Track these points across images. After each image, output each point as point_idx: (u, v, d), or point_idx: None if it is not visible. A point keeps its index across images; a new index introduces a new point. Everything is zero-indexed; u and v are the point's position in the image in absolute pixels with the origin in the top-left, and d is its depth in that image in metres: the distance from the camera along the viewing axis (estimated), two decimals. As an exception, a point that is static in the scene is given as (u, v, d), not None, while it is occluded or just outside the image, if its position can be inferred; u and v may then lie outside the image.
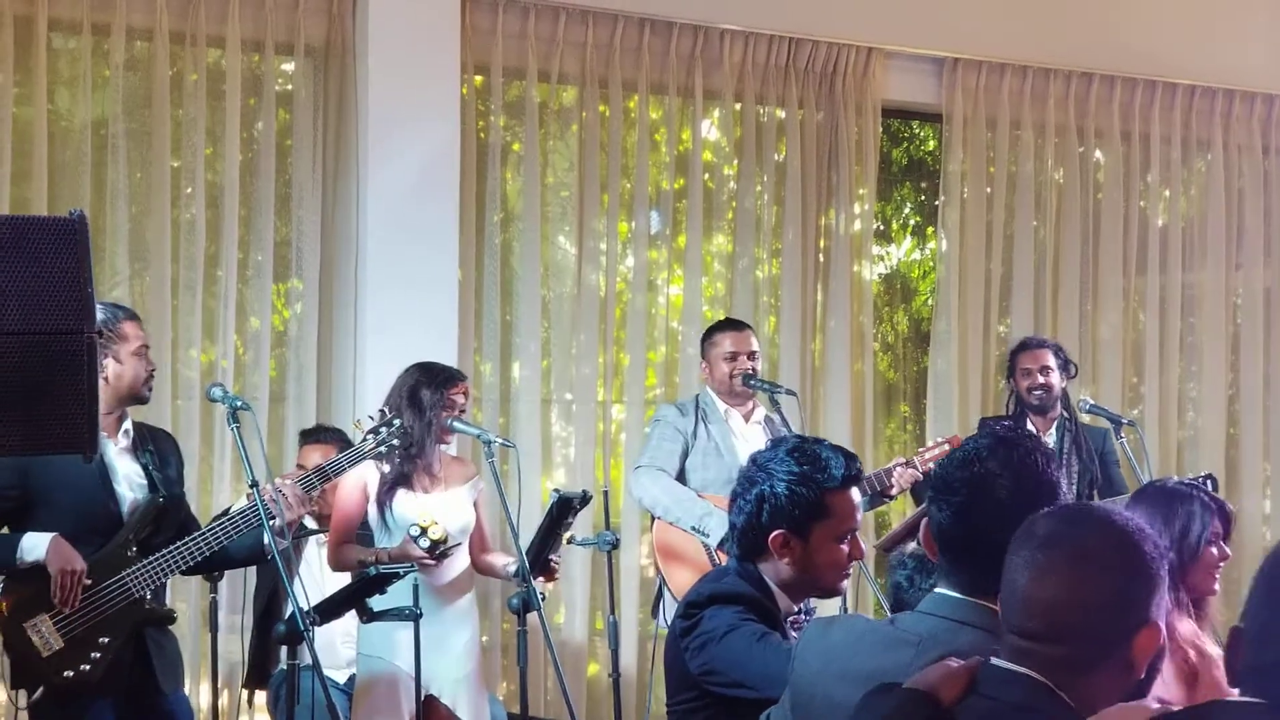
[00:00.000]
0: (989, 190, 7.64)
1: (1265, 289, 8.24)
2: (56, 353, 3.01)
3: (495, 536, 5.59)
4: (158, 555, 4.29)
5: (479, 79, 6.61)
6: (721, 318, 6.36)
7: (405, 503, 5.02)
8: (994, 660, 2.11)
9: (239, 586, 5.68)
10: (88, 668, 4.19)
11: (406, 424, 4.87)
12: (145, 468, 4.40)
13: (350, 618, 4.71)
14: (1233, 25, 8.02)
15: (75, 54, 5.93)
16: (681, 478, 5.62)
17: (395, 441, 4.76)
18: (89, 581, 4.19)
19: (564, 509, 4.99)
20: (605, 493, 5.71)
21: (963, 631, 2.36)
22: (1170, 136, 7.96)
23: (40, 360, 2.99)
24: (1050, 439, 6.26)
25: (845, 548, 3.09)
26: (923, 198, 8.38)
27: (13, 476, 4.20)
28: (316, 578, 5.28)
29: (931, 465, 5.39)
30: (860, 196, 7.30)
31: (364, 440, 4.74)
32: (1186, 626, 3.36)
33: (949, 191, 7.53)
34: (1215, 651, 3.36)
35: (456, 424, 5.04)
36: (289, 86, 6.38)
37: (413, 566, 4.71)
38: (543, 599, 4.80)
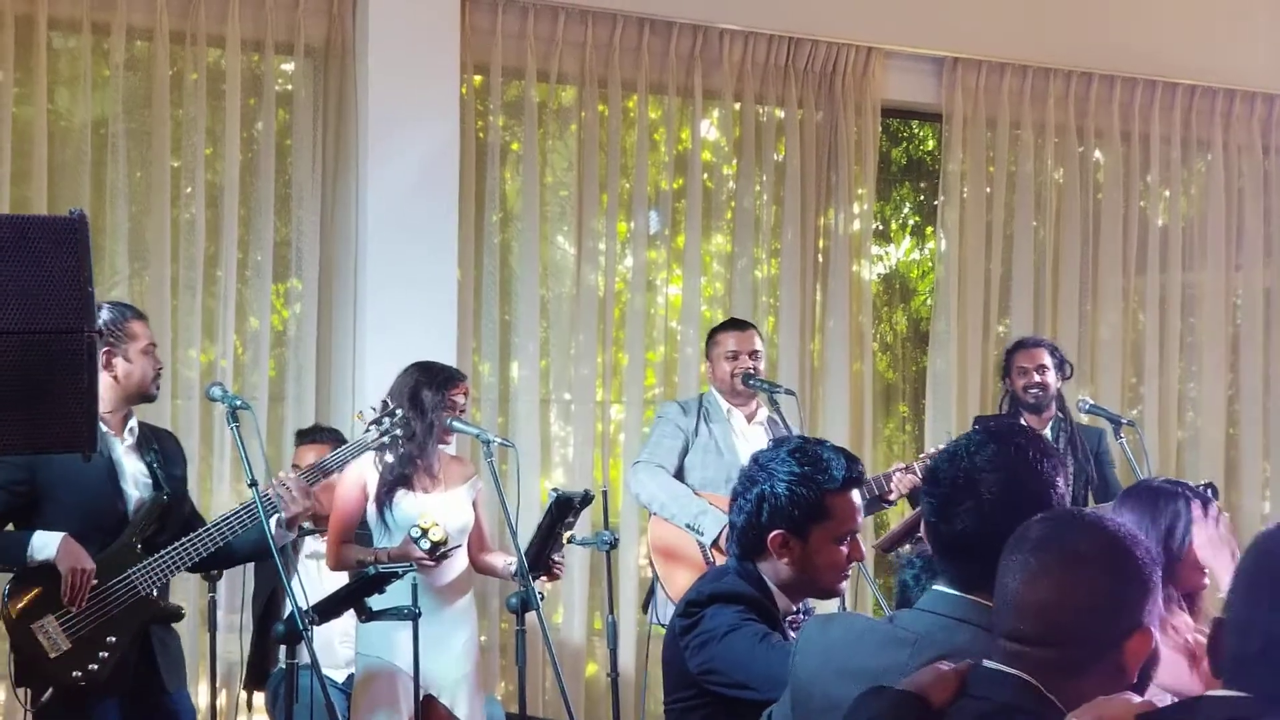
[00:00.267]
0: (988, 190, 7.64)
1: (1265, 289, 8.24)
2: (56, 352, 3.02)
3: (494, 536, 5.59)
4: (163, 552, 4.29)
5: (478, 79, 6.61)
6: (720, 318, 6.37)
7: (405, 503, 5.02)
8: (985, 662, 2.12)
9: (237, 586, 5.67)
10: (96, 667, 4.19)
11: (408, 418, 4.86)
12: (150, 466, 4.41)
13: (349, 618, 4.71)
14: (1233, 25, 8.02)
15: (75, 53, 5.93)
16: (681, 475, 5.63)
17: (398, 432, 4.75)
18: (95, 581, 4.19)
19: (563, 508, 4.99)
20: (604, 492, 5.71)
21: (959, 629, 2.36)
22: (1170, 136, 7.95)
23: (40, 359, 3.00)
24: (1045, 438, 6.26)
25: (844, 549, 3.09)
26: (922, 197, 8.39)
27: (21, 472, 4.20)
28: (314, 578, 5.28)
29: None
30: (859, 196, 7.30)
31: (366, 432, 4.74)
32: (1180, 620, 3.40)
33: (948, 191, 7.53)
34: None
35: (456, 424, 5.04)
36: (289, 86, 6.39)
37: (411, 566, 4.70)
38: (541, 599, 4.80)
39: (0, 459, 4.13)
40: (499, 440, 5.02)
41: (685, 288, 6.96)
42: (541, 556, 5.00)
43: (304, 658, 4.24)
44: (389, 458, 4.99)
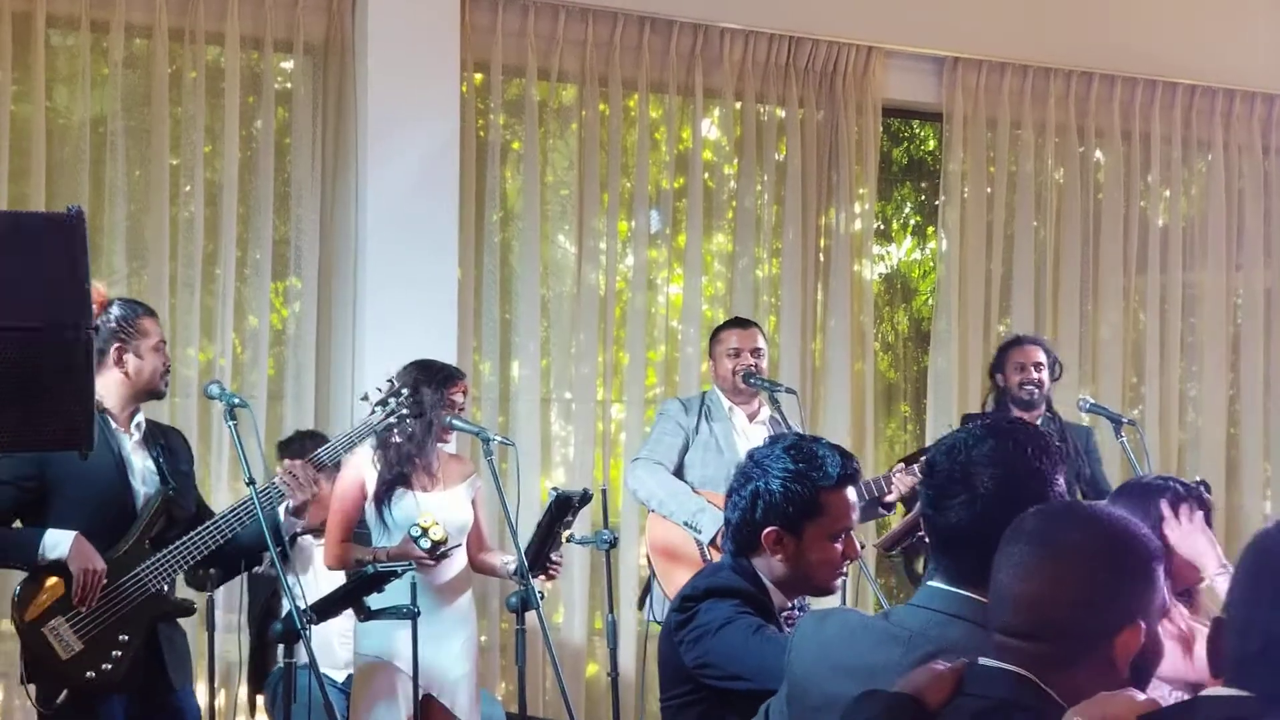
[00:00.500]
0: (989, 190, 7.63)
1: (1266, 289, 8.23)
2: (53, 349, 3.00)
3: (493, 536, 5.58)
4: (171, 547, 4.27)
5: (479, 77, 6.60)
6: (722, 317, 6.37)
7: (404, 502, 5.00)
8: (981, 660, 2.11)
9: (235, 585, 5.66)
10: (109, 667, 4.18)
11: (410, 411, 4.82)
12: (157, 461, 4.40)
13: (348, 619, 4.70)
14: (1233, 25, 8.01)
15: (74, 51, 5.92)
16: (680, 473, 5.63)
17: (405, 411, 4.71)
18: (104, 581, 4.18)
19: (563, 507, 4.98)
20: (604, 491, 5.70)
21: (952, 625, 2.35)
22: (1171, 136, 7.95)
23: (37, 356, 2.98)
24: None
25: (839, 546, 3.08)
26: (923, 197, 8.38)
27: (31, 468, 4.19)
28: (311, 579, 5.26)
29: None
30: (860, 196, 7.29)
31: (371, 413, 4.71)
32: (1174, 610, 3.41)
33: (949, 191, 7.53)
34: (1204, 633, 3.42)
35: (456, 422, 5.03)
36: (288, 84, 6.38)
37: (411, 565, 4.69)
38: (541, 598, 4.79)
39: (9, 455, 4.12)
40: (499, 439, 5.01)
41: (686, 287, 6.95)
42: (541, 556, 4.99)
43: (303, 657, 4.23)
44: (389, 454, 4.97)
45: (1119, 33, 7.69)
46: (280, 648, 4.31)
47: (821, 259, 7.19)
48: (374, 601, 4.52)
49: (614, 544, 5.49)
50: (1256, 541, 1.98)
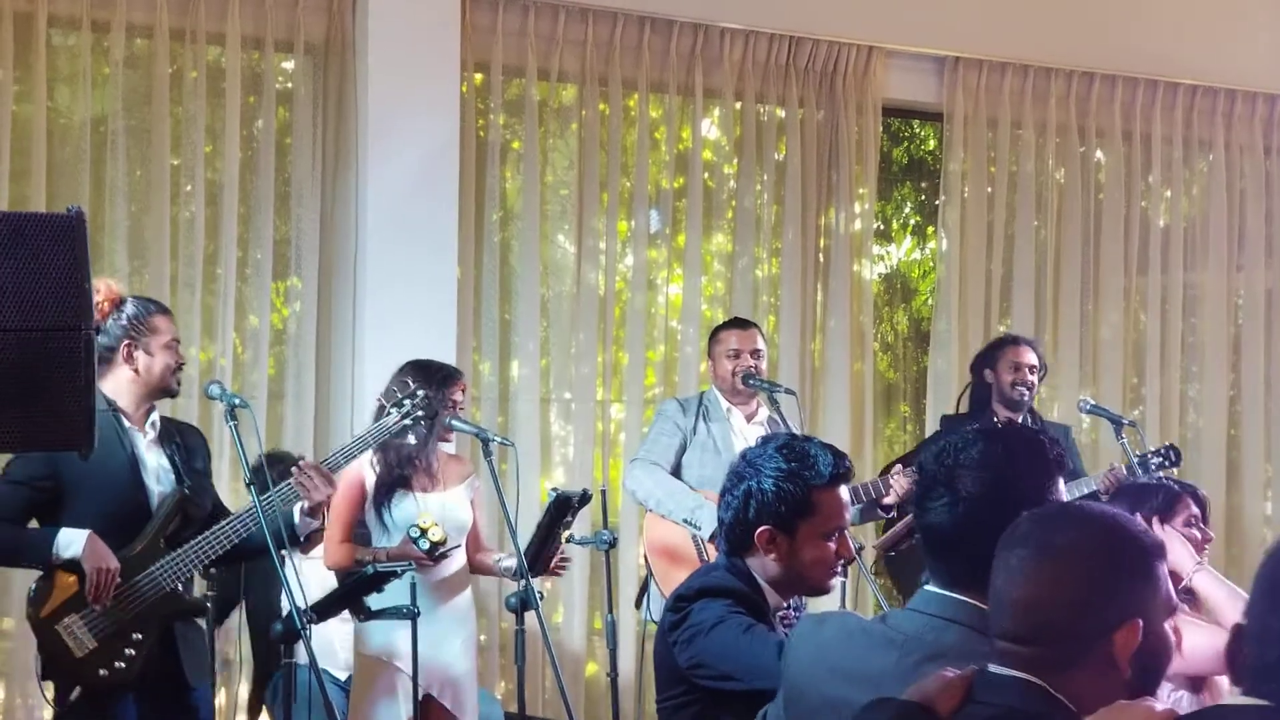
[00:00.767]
0: (990, 190, 7.63)
1: (1266, 290, 8.22)
2: (54, 350, 3.00)
3: (492, 536, 5.58)
4: (186, 546, 4.27)
5: (479, 77, 6.60)
6: (721, 317, 6.36)
7: (404, 503, 5.01)
8: (990, 667, 2.10)
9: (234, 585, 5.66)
10: (123, 665, 4.18)
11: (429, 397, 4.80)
12: (172, 460, 4.40)
13: (345, 623, 4.69)
14: (1234, 25, 8.01)
15: (75, 51, 5.93)
16: (677, 474, 5.63)
17: (420, 413, 4.71)
18: (119, 579, 4.17)
19: (563, 508, 4.98)
20: (604, 492, 5.70)
21: (948, 629, 2.35)
22: (1172, 137, 7.94)
23: (37, 357, 2.98)
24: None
25: (832, 546, 3.09)
26: (923, 197, 8.38)
27: (45, 468, 4.19)
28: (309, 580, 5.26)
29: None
30: (860, 196, 7.29)
31: (386, 414, 4.71)
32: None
33: (949, 191, 7.52)
34: (1194, 626, 3.54)
35: (455, 422, 5.03)
36: (289, 84, 6.38)
37: (410, 565, 4.69)
38: (541, 598, 4.79)
39: (23, 456, 4.12)
40: (499, 439, 5.01)
41: (686, 287, 6.96)
42: (541, 556, 4.99)
43: (303, 657, 4.23)
44: (389, 455, 4.98)
45: (1120, 33, 7.69)
46: (282, 646, 4.31)
47: (821, 259, 7.19)
48: (374, 601, 4.52)
49: (613, 544, 5.49)
50: (1275, 551, 1.98)
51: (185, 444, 4.49)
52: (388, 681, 4.94)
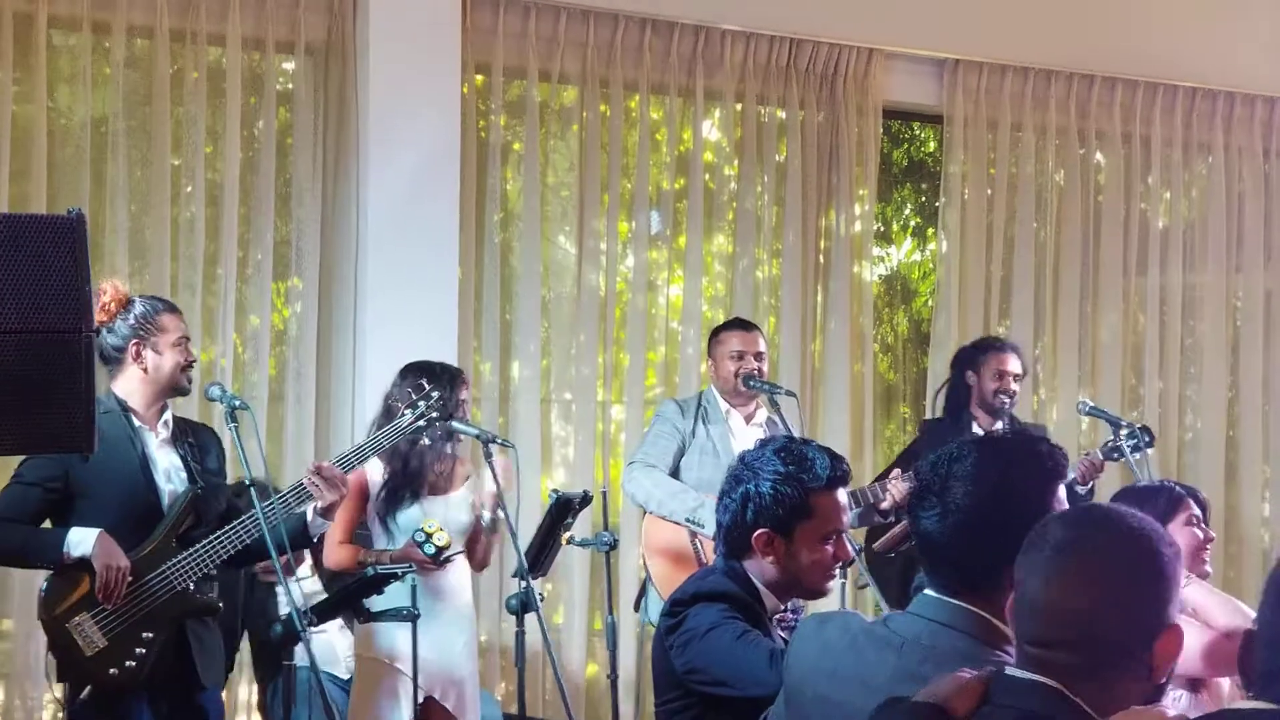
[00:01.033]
0: (989, 192, 7.63)
1: (1266, 292, 8.23)
2: (54, 352, 3.01)
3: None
4: (198, 546, 4.27)
5: (480, 78, 6.61)
6: (721, 318, 6.36)
7: (408, 506, 5.00)
8: (1008, 669, 2.07)
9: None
10: (133, 664, 4.18)
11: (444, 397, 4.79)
12: (184, 459, 4.39)
13: (349, 640, 4.68)
14: (1234, 28, 8.01)
15: (75, 51, 5.93)
16: (676, 476, 5.61)
17: (435, 414, 4.70)
18: (130, 578, 4.18)
19: (563, 509, 4.98)
20: (604, 493, 5.70)
21: (942, 634, 2.34)
22: (1171, 139, 7.95)
23: (37, 359, 2.99)
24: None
25: (830, 548, 3.09)
26: (923, 199, 8.39)
27: (56, 469, 4.19)
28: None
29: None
30: (861, 197, 7.29)
31: (401, 415, 4.71)
32: None
33: (949, 193, 7.53)
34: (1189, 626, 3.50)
35: (456, 424, 5.01)
36: (289, 85, 6.38)
37: (411, 567, 4.69)
38: (541, 599, 4.79)
39: (34, 457, 4.12)
40: (500, 440, 5.00)
41: (686, 288, 6.96)
42: (540, 557, 4.99)
43: (303, 658, 4.23)
44: (394, 458, 4.97)
45: (1119, 35, 7.70)
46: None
47: (821, 260, 7.19)
48: (374, 603, 4.52)
49: (614, 545, 5.49)
50: None
51: (198, 443, 4.49)
52: (389, 683, 4.94)
